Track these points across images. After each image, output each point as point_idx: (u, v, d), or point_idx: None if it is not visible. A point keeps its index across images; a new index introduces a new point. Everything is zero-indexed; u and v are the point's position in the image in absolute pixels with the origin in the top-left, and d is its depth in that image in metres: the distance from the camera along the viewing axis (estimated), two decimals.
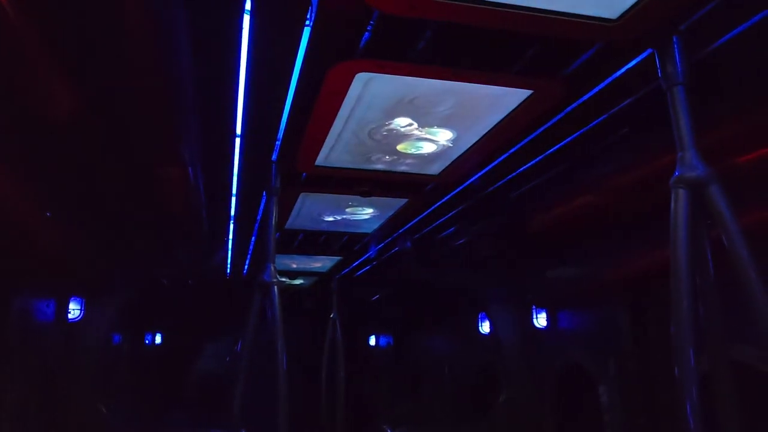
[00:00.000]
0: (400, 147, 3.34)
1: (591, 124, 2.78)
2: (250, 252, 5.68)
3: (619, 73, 2.39)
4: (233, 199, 4.26)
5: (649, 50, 2.19)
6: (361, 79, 2.54)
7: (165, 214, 3.86)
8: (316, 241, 5.64)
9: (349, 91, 2.63)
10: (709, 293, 2.03)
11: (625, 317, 4.13)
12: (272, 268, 3.36)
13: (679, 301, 1.95)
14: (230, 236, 5.10)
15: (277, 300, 3.44)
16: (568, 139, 2.98)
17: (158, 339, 8.85)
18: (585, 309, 4.76)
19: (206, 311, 7.85)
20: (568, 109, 2.70)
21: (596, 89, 2.50)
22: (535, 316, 5.52)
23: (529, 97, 2.67)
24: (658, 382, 3.88)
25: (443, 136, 3.21)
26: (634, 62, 2.31)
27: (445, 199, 4.22)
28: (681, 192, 1.95)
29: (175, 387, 8.56)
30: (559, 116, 2.77)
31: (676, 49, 2.05)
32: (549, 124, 2.87)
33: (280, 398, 3.28)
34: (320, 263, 6.86)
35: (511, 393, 5.78)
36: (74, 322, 5.00)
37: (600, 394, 4.54)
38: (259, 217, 4.56)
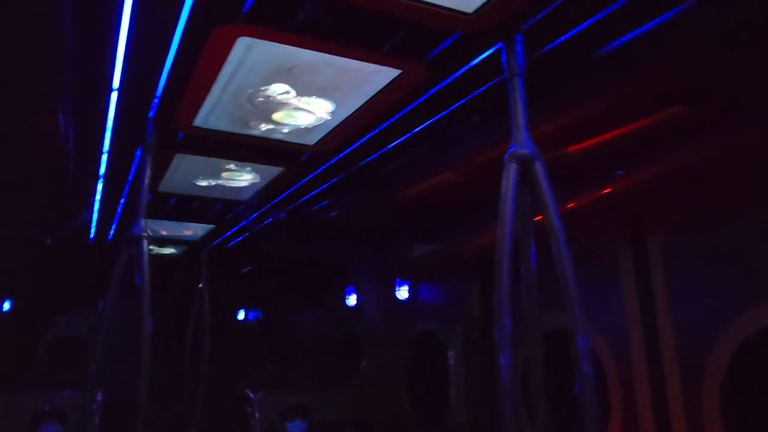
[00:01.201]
0: (276, 116, 3.52)
1: (450, 108, 3.13)
2: (118, 214, 5.54)
3: (474, 62, 2.73)
4: (104, 156, 4.18)
5: (499, 44, 2.54)
6: (242, 43, 2.69)
7: (27, 166, 3.73)
8: (188, 206, 5.61)
9: (230, 55, 2.77)
10: (529, 261, 2.39)
11: (472, 288, 4.61)
12: (142, 222, 3.34)
13: (501, 266, 2.26)
14: (98, 195, 4.96)
15: (145, 255, 3.39)
16: (432, 120, 3.31)
17: (6, 306, 8.30)
18: (441, 281, 5.20)
19: (66, 276, 7.48)
20: (431, 91, 3.02)
21: (455, 75, 2.84)
22: (397, 289, 5.93)
23: (397, 77, 2.95)
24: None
25: (319, 107, 3.42)
26: (486, 53, 2.66)
27: (319, 170, 4.43)
28: (512, 166, 2.30)
29: (28, 355, 8.12)
30: (423, 98, 3.08)
31: (518, 45, 2.41)
32: (415, 104, 3.18)
33: (143, 360, 3.23)
34: (192, 231, 6.79)
35: (372, 359, 6.19)
36: None
37: (448, 358, 5.03)
38: (130, 177, 4.49)
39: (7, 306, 8.55)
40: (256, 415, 5.70)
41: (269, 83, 3.10)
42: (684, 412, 3.47)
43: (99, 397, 5.37)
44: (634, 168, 3.24)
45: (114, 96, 3.30)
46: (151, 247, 8.09)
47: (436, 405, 5.28)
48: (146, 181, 3.59)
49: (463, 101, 3.05)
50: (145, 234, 3.40)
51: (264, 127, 3.69)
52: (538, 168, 2.31)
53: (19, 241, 5.75)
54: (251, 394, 5.91)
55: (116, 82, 3.16)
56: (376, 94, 3.15)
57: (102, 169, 4.50)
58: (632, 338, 3.83)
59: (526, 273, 2.43)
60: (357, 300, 6.64)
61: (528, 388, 2.35)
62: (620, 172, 3.34)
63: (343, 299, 7.02)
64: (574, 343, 2.18)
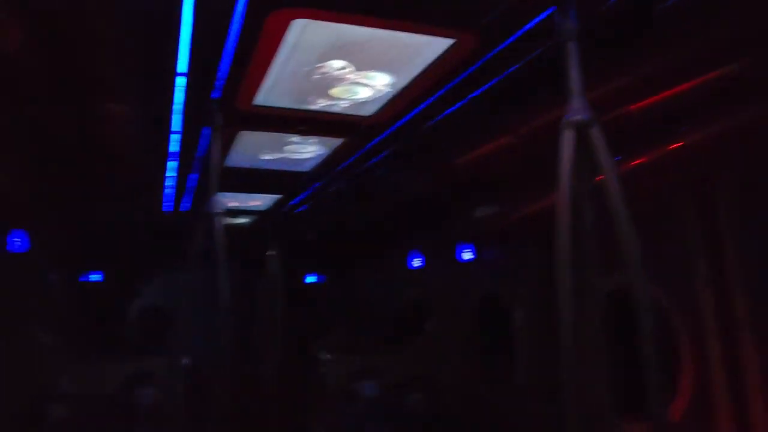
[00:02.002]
0: (335, 91, 3.60)
1: (505, 73, 3.11)
2: (191, 190, 5.81)
3: (527, 27, 2.71)
4: (175, 137, 4.39)
5: (552, 8, 2.51)
6: (297, 25, 2.77)
7: (107, 149, 3.98)
8: (255, 178, 5.80)
9: (286, 36, 2.85)
10: (589, 223, 2.39)
11: (535, 249, 4.62)
12: (215, 200, 3.49)
13: (561, 230, 2.29)
14: (172, 173, 5.22)
15: (220, 230, 3.52)
16: (487, 85, 3.31)
17: (98, 276, 8.86)
18: (503, 243, 5.23)
19: (147, 247, 7.92)
20: (486, 57, 3.01)
21: (509, 41, 2.82)
22: (460, 251, 6.00)
23: (451, 46, 2.97)
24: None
25: (376, 80, 3.47)
26: (540, 18, 2.63)
27: (378, 139, 4.50)
28: (568, 133, 2.30)
29: (117, 322, 8.72)
30: (478, 64, 3.08)
31: (571, 7, 2.38)
32: (470, 71, 3.18)
33: (223, 328, 3.39)
34: (260, 201, 7.03)
35: (437, 321, 6.33)
36: (15, 254, 5.07)
37: (513, 318, 5.10)
38: (199, 155, 4.69)
39: (98, 278, 9.14)
40: (328, 376, 5.96)
41: (326, 60, 3.18)
42: (758, 364, 3.43)
43: (185, 360, 5.79)
44: (701, 123, 3.16)
45: (180, 80, 3.47)
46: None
47: (502, 366, 5.37)
48: (216, 158, 3.73)
49: (518, 66, 3.03)
50: (218, 210, 3.52)
51: (323, 101, 3.78)
52: (595, 133, 2.30)
53: (106, 218, 6.13)
54: (323, 357, 6.17)
55: (181, 67, 3.32)
56: (431, 63, 3.17)
57: (173, 149, 4.74)
58: (701, 294, 3.78)
59: (586, 235, 2.45)
60: (420, 262, 6.76)
61: (590, 349, 2.39)
62: (685, 128, 3.26)
63: (408, 263, 7.15)
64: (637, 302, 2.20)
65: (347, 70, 3.29)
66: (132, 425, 5.09)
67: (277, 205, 7.16)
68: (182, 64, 3.24)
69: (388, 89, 3.57)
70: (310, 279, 9.65)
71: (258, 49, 2.94)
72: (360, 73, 3.34)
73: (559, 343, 2.24)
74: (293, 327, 7.83)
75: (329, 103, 3.80)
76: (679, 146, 3.33)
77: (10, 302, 5.12)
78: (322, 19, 2.72)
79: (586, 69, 2.76)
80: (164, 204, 5.71)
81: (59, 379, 4.97)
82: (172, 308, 7.58)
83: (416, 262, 7.04)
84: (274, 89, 3.56)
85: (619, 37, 2.77)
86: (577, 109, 2.34)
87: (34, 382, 4.91)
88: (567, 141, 2.32)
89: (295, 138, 4.62)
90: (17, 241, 5.10)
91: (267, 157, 5.14)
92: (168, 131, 4.35)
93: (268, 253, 7.25)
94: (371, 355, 7.02)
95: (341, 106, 3.84)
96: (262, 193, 6.55)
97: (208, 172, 3.57)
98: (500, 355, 5.45)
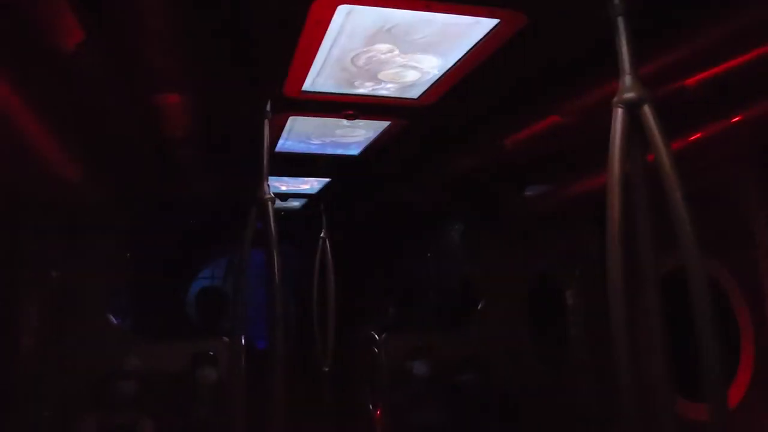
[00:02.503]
0: (381, 75, 3.62)
1: (553, 51, 3.06)
2: (242, 175, 5.94)
3: (575, 2, 2.65)
4: (226, 126, 4.52)
5: None
6: (342, 10, 2.80)
7: (169, 139, 4.13)
8: (305, 163, 5.90)
9: (331, 23, 2.89)
10: (643, 203, 2.32)
11: (589, 228, 4.55)
12: (266, 185, 3.58)
13: (612, 212, 2.23)
14: (225, 159, 5.38)
15: (272, 215, 3.62)
16: (535, 64, 3.26)
17: (161, 258, 9.20)
18: (556, 222, 5.16)
19: (206, 233, 8.17)
20: (533, 35, 2.96)
21: (555, 18, 2.77)
22: (510, 231, 5.96)
23: (497, 25, 2.93)
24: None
25: (423, 62, 3.47)
26: None
27: (426, 122, 4.50)
28: (619, 111, 2.25)
29: (178, 303, 9.09)
30: (524, 43, 3.04)
31: None
32: (517, 49, 3.14)
33: (276, 309, 3.49)
34: (309, 185, 7.16)
35: (490, 301, 6.33)
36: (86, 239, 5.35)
37: (566, 298, 5.04)
38: (251, 142, 4.80)
39: (161, 258, 9.48)
40: (382, 355, 6.05)
41: (371, 45, 3.20)
42: None
43: (243, 341, 5.99)
44: (763, 94, 3.03)
45: (230, 71, 3.56)
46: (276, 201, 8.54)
47: (556, 345, 5.34)
48: (266, 145, 3.82)
49: (567, 43, 2.98)
50: (269, 196, 3.61)
51: (370, 85, 3.81)
52: (647, 110, 2.24)
53: (170, 204, 6.37)
54: (376, 336, 6.27)
55: (233, 57, 3.41)
56: (477, 43, 3.14)
57: (226, 138, 4.88)
58: (764, 270, 3.65)
59: (640, 215, 2.39)
60: (470, 242, 6.74)
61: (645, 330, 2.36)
62: (746, 100, 3.13)
63: (457, 242, 7.15)
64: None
65: (393, 53, 3.29)
66: (194, 402, 5.32)
67: (328, 188, 7.28)
68: (233, 53, 3.33)
69: (434, 71, 3.56)
70: (361, 260, 9.77)
71: (304, 35, 2.98)
72: (406, 56, 3.34)
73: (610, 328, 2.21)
74: (346, 307, 7.95)
75: (376, 86, 3.82)
76: (740, 119, 3.21)
77: (84, 284, 5.41)
78: (367, 4, 2.73)
79: (638, 43, 2.68)
80: (219, 190, 5.88)
81: (127, 358, 5.23)
82: (232, 290, 7.82)
83: (466, 242, 7.03)
84: (321, 75, 3.61)
85: (671, 8, 2.68)
86: (627, 87, 2.28)
87: (105, 360, 5.18)
88: (617, 120, 2.26)
89: (344, 122, 4.68)
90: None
91: (316, 141, 5.22)
92: (221, 120, 4.49)
93: (321, 235, 7.35)
94: (424, 335, 7.09)
95: (388, 89, 3.86)
96: (312, 177, 6.67)
97: (259, 158, 3.65)
98: (554, 335, 5.41)
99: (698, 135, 3.40)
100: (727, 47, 2.68)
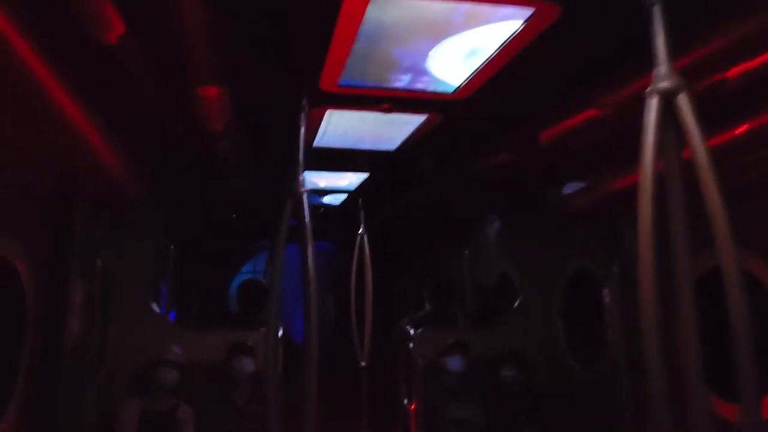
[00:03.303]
0: (416, 67, 3.63)
1: (589, 42, 3.01)
2: (279, 169, 6.02)
3: None
4: (264, 120, 4.60)
5: None
6: (376, 3, 2.82)
7: (209, 133, 4.22)
8: (343, 158, 5.95)
9: (365, 15, 2.91)
10: (678, 199, 2.25)
11: (627, 225, 4.45)
12: (301, 178, 3.59)
13: (644, 206, 2.16)
14: (265, 153, 5.47)
15: (307, 209, 3.62)
16: (570, 56, 3.22)
17: (204, 252, 9.41)
18: (593, 218, 5.08)
19: (245, 226, 8.30)
20: (567, 27, 2.93)
21: (590, 8, 2.73)
22: (546, 227, 5.89)
23: (531, 16, 2.91)
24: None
25: (457, 54, 3.47)
26: None
27: (462, 116, 4.49)
28: (653, 101, 2.19)
29: (221, 296, 9.30)
30: (559, 34, 3.00)
31: None
32: (552, 41, 3.11)
33: (311, 304, 3.50)
34: (347, 180, 7.21)
35: (526, 297, 6.28)
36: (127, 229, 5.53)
37: (603, 296, 4.96)
38: (288, 136, 4.86)
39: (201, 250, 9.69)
40: (417, 351, 6.06)
41: (406, 37, 3.21)
42: None
43: (280, 333, 6.08)
44: None
45: (268, 64, 3.63)
46: (313, 195, 8.65)
47: (593, 342, 5.25)
48: (302, 139, 3.83)
49: (602, 34, 2.93)
50: (304, 189, 3.62)
51: (406, 78, 3.82)
52: (682, 100, 2.18)
53: (209, 198, 6.50)
54: (412, 332, 6.28)
55: (270, 52, 3.48)
56: (511, 35, 3.13)
57: (265, 132, 4.97)
58: None
59: (675, 211, 2.32)
60: (505, 238, 6.70)
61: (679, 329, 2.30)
62: None
63: (493, 238, 7.11)
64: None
65: (428, 45, 3.30)
66: (232, 391, 5.44)
67: (366, 184, 7.31)
68: (271, 47, 3.40)
69: (468, 63, 3.55)
70: (398, 256, 9.79)
71: (338, 29, 3.02)
72: (440, 49, 3.34)
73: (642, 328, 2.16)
74: (383, 303, 7.98)
75: (412, 80, 3.84)
76: None
77: (128, 275, 5.59)
78: None
79: (676, 34, 2.61)
80: (250, 182, 5.97)
81: (167, 347, 5.38)
82: (270, 283, 7.92)
83: (502, 238, 6.98)
84: (356, 68, 3.64)
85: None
86: (662, 76, 2.22)
87: (147, 349, 5.34)
88: (651, 110, 2.21)
89: (381, 116, 4.70)
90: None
91: (354, 136, 5.26)
92: (258, 114, 4.57)
93: (359, 231, 7.37)
94: (459, 330, 7.08)
95: (424, 82, 3.87)
96: (351, 171, 6.72)
97: (295, 151, 3.68)
98: (591, 333, 5.33)
99: (744, 127, 3.29)
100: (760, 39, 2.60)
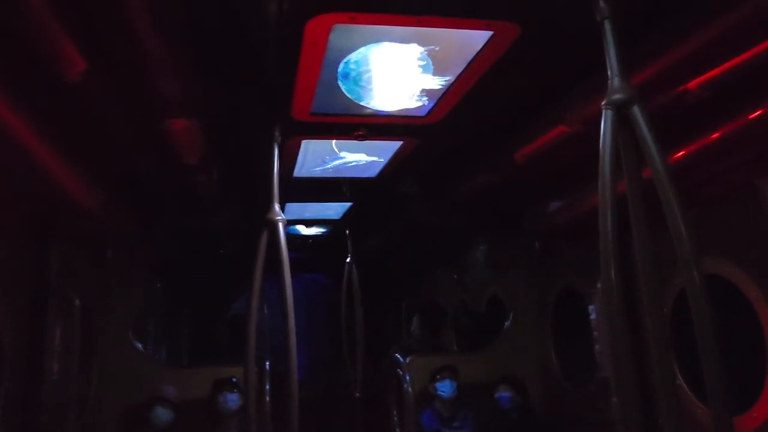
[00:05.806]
0: (384, 92, 3.66)
1: (550, 60, 3.05)
2: (254, 201, 5.99)
3: (566, 9, 2.64)
4: (237, 151, 4.60)
5: None
6: (338, 30, 2.85)
7: (185, 167, 4.20)
8: (324, 187, 5.94)
9: (328, 42, 2.94)
10: (640, 217, 2.23)
11: None
12: (277, 206, 3.58)
13: (604, 224, 2.15)
14: (243, 185, 5.46)
15: (283, 239, 3.59)
16: (534, 74, 3.25)
17: (193, 288, 9.30)
18: (576, 235, 5.06)
19: (221, 257, 8.22)
20: (527, 46, 2.96)
21: (548, 27, 2.76)
22: (534, 246, 5.88)
23: (491, 38, 2.95)
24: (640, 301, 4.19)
25: (422, 79, 3.50)
26: None
27: (436, 140, 4.51)
28: (608, 113, 2.21)
29: (207, 328, 9.17)
30: (520, 54, 3.04)
31: None
32: (514, 61, 3.14)
33: (288, 336, 3.43)
34: (332, 210, 7.21)
35: (515, 317, 6.24)
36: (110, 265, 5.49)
37: (590, 313, 4.92)
38: (262, 168, 4.85)
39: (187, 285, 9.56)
40: (408, 377, 5.99)
41: (371, 63, 3.24)
42: None
43: (268, 366, 6.00)
44: None
45: (237, 97, 3.65)
46: (299, 227, 8.58)
47: (583, 361, 5.20)
48: (276, 169, 3.81)
49: (562, 51, 2.96)
50: (279, 218, 3.60)
51: (376, 104, 3.84)
52: (637, 111, 2.19)
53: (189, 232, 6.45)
54: (401, 359, 6.22)
55: (239, 81, 3.50)
56: (475, 57, 3.16)
57: (242, 164, 4.97)
58: None
59: (636, 221, 2.30)
60: (494, 260, 6.68)
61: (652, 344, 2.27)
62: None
63: (482, 260, 7.09)
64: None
65: (393, 70, 3.33)
66: (219, 427, 5.34)
67: (350, 213, 7.31)
68: (239, 79, 3.42)
69: (437, 87, 3.58)
70: (387, 282, 9.75)
71: (303, 57, 3.04)
72: (404, 73, 3.37)
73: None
74: (374, 330, 7.92)
75: (382, 105, 3.86)
76: (759, 114, 3.09)
77: (110, 313, 5.53)
78: (360, 23, 2.78)
79: (635, 47, 2.65)
80: (232, 215, 5.93)
81: (163, 387, 5.30)
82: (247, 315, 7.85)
83: (491, 260, 6.97)
84: (327, 96, 3.66)
85: (660, 12, 2.66)
86: (615, 88, 2.24)
87: (131, 387, 5.26)
88: (606, 122, 2.22)
89: (356, 144, 4.71)
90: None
91: (332, 164, 5.27)
92: (231, 146, 4.56)
93: (346, 260, 7.37)
94: (449, 355, 7.00)
95: (394, 107, 3.89)
96: (332, 202, 6.71)
97: (269, 181, 3.68)
98: (580, 350, 5.28)
99: (713, 137, 3.31)
100: (727, 45, 2.63)
